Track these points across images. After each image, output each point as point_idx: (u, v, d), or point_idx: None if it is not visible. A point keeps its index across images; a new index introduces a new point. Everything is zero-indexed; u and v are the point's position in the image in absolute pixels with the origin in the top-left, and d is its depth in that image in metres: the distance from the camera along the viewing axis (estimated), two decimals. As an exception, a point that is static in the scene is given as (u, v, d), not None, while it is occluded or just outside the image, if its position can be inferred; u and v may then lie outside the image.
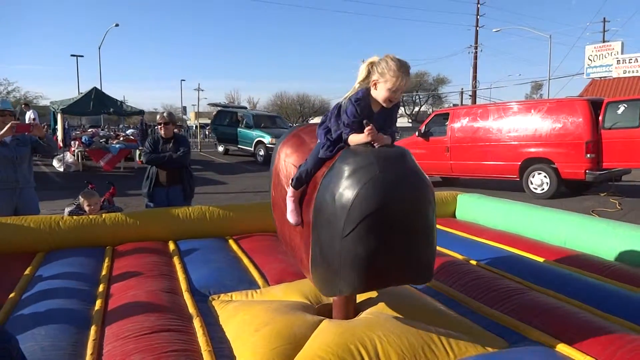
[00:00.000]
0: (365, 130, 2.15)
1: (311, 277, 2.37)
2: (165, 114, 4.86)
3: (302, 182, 2.43)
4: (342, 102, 2.31)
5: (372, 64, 2.20)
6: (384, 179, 2.06)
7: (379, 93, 2.20)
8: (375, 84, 2.20)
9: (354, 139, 2.22)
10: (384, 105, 2.23)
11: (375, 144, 2.18)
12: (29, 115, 15.01)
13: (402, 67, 2.14)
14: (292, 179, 2.47)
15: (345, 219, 2.06)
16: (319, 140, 2.42)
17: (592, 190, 10.63)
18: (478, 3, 35.81)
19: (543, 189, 10.04)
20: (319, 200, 2.21)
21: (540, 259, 3.65)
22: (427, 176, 2.23)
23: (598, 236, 3.85)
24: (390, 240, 2.08)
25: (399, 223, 2.08)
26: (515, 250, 3.89)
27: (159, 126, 4.78)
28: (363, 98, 2.22)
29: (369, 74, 2.21)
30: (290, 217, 2.49)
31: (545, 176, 10.01)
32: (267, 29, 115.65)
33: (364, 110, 2.22)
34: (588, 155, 9.40)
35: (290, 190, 2.48)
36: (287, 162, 2.77)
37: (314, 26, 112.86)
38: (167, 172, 4.74)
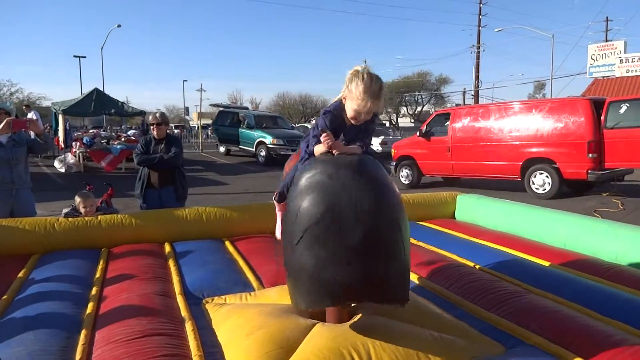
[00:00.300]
0: (322, 138, 2.10)
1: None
2: (157, 115, 4.81)
3: (284, 196, 2.38)
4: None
5: (351, 74, 2.13)
6: (333, 186, 1.98)
7: (347, 109, 2.15)
8: (344, 99, 2.15)
9: (317, 149, 2.18)
10: (352, 122, 2.18)
11: (334, 152, 2.12)
12: (31, 116, 15.01)
13: (369, 91, 2.04)
14: (276, 193, 2.44)
15: (293, 227, 2.01)
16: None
17: (594, 190, 10.56)
18: (480, 2, 35.73)
19: (545, 189, 9.97)
20: (285, 212, 2.19)
21: (540, 261, 3.60)
22: (393, 185, 2.14)
23: (599, 237, 3.80)
24: (342, 251, 1.97)
25: (352, 233, 1.97)
26: (514, 251, 3.84)
27: (152, 127, 4.74)
28: (333, 111, 2.18)
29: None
30: (277, 231, 2.45)
31: (547, 176, 9.95)
32: (268, 29, 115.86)
33: (333, 122, 2.16)
34: (590, 155, 9.34)
35: (275, 205, 2.45)
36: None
37: (316, 26, 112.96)
38: (159, 173, 4.69)
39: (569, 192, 10.24)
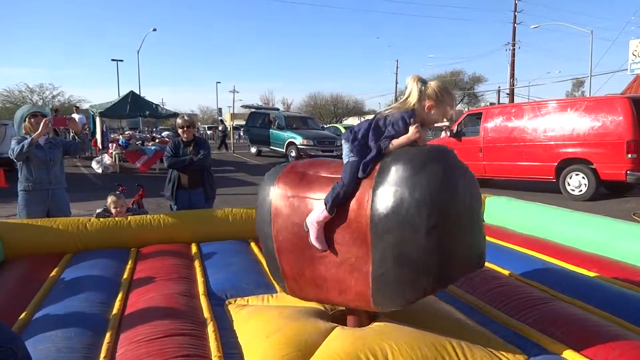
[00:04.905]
0: (414, 129, 2.26)
1: (375, 294, 2.22)
2: (185, 117, 4.91)
3: (340, 203, 2.28)
4: (384, 116, 2.37)
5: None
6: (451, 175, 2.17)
7: (434, 116, 2.35)
8: (431, 106, 2.32)
9: (397, 142, 2.28)
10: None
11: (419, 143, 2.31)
12: (77, 118, 15.55)
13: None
14: (327, 204, 2.26)
15: (419, 216, 2.08)
16: (351, 159, 2.32)
17: (634, 191, 10.17)
18: (515, -1, 34.81)
19: (581, 191, 9.67)
20: (383, 206, 2.14)
21: (570, 266, 3.49)
22: None
23: (634, 242, 3.64)
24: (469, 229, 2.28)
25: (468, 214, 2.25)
26: (543, 256, 3.73)
27: (180, 130, 4.83)
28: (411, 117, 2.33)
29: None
30: (319, 243, 2.32)
31: (583, 177, 9.64)
32: (300, 30, 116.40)
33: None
34: (629, 156, 8.98)
35: (322, 216, 2.29)
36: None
37: (348, 26, 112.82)
38: (189, 175, 4.78)
39: (607, 194, 9.89)
